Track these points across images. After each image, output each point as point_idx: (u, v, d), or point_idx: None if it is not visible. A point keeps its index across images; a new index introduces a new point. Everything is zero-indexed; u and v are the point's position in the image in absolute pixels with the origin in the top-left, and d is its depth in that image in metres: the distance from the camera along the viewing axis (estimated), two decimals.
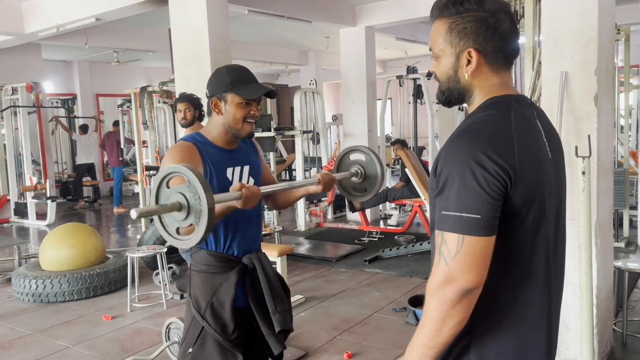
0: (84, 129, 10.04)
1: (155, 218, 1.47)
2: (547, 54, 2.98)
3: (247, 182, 2.00)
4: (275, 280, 2.04)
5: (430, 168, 8.28)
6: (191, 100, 4.09)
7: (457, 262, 1.07)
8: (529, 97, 3.10)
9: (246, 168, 2.02)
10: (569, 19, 2.90)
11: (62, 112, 11.22)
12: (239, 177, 1.99)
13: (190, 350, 1.95)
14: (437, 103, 9.07)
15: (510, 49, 1.19)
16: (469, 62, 1.17)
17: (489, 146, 1.08)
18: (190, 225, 1.43)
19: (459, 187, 1.07)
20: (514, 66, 3.39)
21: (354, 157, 2.18)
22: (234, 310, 1.92)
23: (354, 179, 2.14)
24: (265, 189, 1.80)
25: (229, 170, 1.97)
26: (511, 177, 1.08)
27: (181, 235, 1.47)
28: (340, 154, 2.20)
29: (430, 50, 1.25)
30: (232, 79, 1.90)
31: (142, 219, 6.37)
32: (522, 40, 3.24)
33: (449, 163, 1.10)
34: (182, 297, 4.54)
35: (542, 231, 1.17)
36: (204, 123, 4.03)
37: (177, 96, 4.33)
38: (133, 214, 1.38)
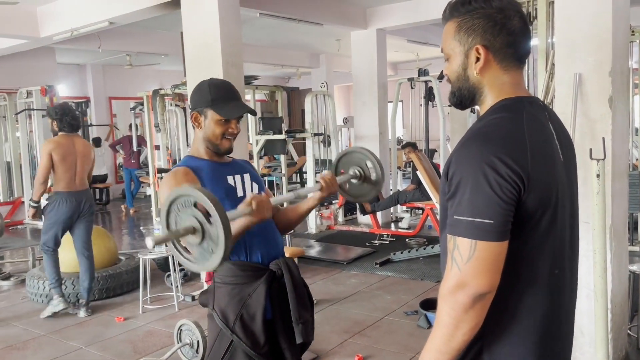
0: (97, 142, 10.17)
1: (171, 245, 1.42)
2: (561, 56, 2.96)
3: (252, 187, 1.99)
4: (301, 289, 1.98)
5: (441, 171, 8.24)
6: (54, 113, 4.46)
7: (469, 267, 1.06)
8: (542, 99, 3.08)
9: (246, 176, 2.00)
10: (583, 20, 2.88)
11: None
12: (241, 183, 1.97)
13: None
14: (448, 105, 9.01)
15: (520, 46, 1.18)
16: (477, 59, 1.17)
17: (502, 150, 1.06)
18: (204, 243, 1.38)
19: (471, 192, 1.06)
20: (526, 68, 3.38)
21: (351, 159, 2.15)
22: (265, 321, 1.86)
23: (353, 180, 2.12)
24: (274, 199, 1.79)
25: (230, 178, 1.95)
26: (524, 181, 1.06)
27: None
28: (337, 157, 2.18)
29: (442, 52, 1.25)
30: (213, 96, 1.90)
31: (154, 222, 6.41)
32: (535, 42, 3.22)
33: (461, 167, 1.09)
34: (193, 298, 4.55)
35: (552, 236, 1.15)
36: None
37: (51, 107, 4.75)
38: (149, 243, 1.34)
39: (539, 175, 1.09)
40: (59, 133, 4.41)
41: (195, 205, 1.37)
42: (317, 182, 2.00)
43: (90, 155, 4.57)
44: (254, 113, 2.01)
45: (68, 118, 4.41)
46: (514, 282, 1.13)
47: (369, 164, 2.12)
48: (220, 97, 1.91)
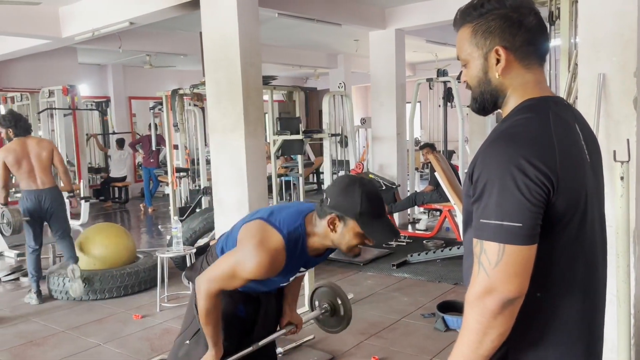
0: (120, 143, 10.30)
1: None
2: (584, 56, 2.90)
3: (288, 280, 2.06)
4: (272, 314, 2.16)
5: (465, 172, 8.18)
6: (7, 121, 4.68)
7: (497, 271, 1.03)
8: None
9: (303, 269, 2.03)
10: (606, 19, 2.82)
11: (96, 114, 11.49)
12: (294, 275, 2.02)
13: (187, 342, 2.05)
14: (467, 106, 9.01)
15: (540, 42, 1.16)
16: (498, 61, 1.14)
17: (530, 151, 1.04)
18: None
19: (498, 194, 1.03)
20: (548, 68, 3.32)
21: (323, 293, 2.32)
22: (233, 319, 1.99)
23: (324, 312, 2.28)
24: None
25: (299, 270, 2.00)
26: (553, 183, 1.04)
27: None
28: (311, 291, 2.37)
29: (458, 59, 1.23)
30: (362, 209, 1.74)
31: (172, 220, 6.45)
32: (557, 41, 3.17)
33: (488, 168, 1.06)
34: None
35: (584, 239, 1.12)
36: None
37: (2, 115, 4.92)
38: None
39: (568, 177, 1.06)
40: (14, 139, 4.69)
41: None
42: (289, 325, 2.24)
43: (44, 153, 4.69)
44: (399, 236, 2.02)
45: (22, 123, 4.74)
46: (545, 286, 1.10)
47: (338, 300, 2.26)
48: (370, 212, 1.76)
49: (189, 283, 2.17)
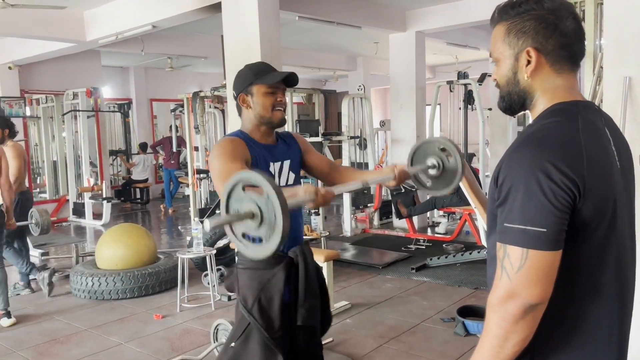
0: (143, 147, 10.47)
1: (227, 228, 1.42)
2: (610, 59, 2.86)
3: (287, 177, 2.08)
4: (313, 274, 2.08)
5: (486, 175, 8.10)
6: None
7: (520, 276, 1.02)
8: None
9: (286, 163, 2.09)
10: (633, 21, 2.77)
11: (118, 117, 11.67)
12: (279, 171, 2.06)
13: (232, 344, 2.00)
14: (488, 109, 8.82)
15: (574, 48, 1.14)
16: (528, 62, 1.13)
17: (556, 155, 1.03)
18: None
19: (523, 199, 1.02)
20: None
21: (427, 149, 2.00)
22: (282, 307, 1.97)
23: (431, 171, 1.97)
24: (339, 188, 1.80)
25: (271, 165, 2.04)
26: (580, 188, 1.02)
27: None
28: (415, 146, 2.04)
29: (490, 56, 1.22)
30: (254, 72, 2.01)
31: (192, 222, 6.51)
32: None
33: (513, 172, 1.05)
34: (229, 298, 4.60)
35: (613, 245, 1.10)
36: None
37: None
38: (207, 225, 1.35)
39: (596, 182, 1.05)
40: (9, 141, 4.88)
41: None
42: (388, 170, 1.94)
43: None
44: (294, 79, 2.06)
45: (13, 127, 4.92)
46: (571, 293, 1.09)
47: (446, 153, 1.95)
48: (260, 71, 2.03)
49: (233, 295, 2.16)
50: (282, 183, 2.06)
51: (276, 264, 1.99)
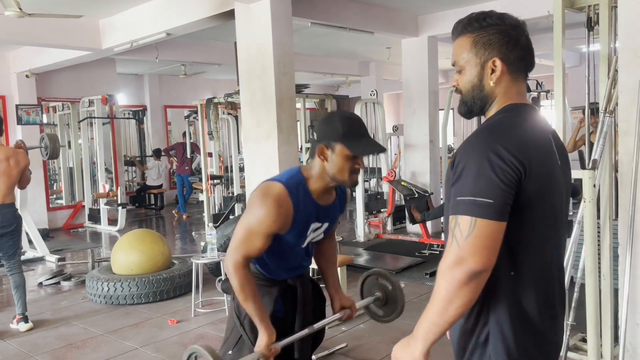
0: (157, 153, 10.52)
1: None
2: (625, 62, 2.84)
3: (318, 236, 2.03)
4: (309, 307, 2.09)
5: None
6: None
7: (468, 243, 1.14)
8: (603, 106, 2.98)
9: (326, 224, 2.03)
10: None
11: (132, 123, 11.80)
12: (314, 230, 1.99)
13: (230, 352, 2.03)
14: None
15: (529, 60, 1.31)
16: (493, 70, 1.28)
17: (507, 141, 1.18)
18: None
19: (475, 176, 1.16)
20: (586, 74, 3.24)
21: (374, 282, 2.26)
22: (275, 321, 1.95)
23: (375, 304, 2.23)
24: (283, 343, 1.89)
25: (312, 225, 1.96)
26: (525, 168, 1.17)
27: None
28: (361, 279, 2.28)
29: (453, 65, 1.35)
30: (344, 130, 1.84)
31: (206, 227, 6.56)
32: (596, 47, 3.10)
33: (467, 154, 1.19)
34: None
35: (550, 224, 1.28)
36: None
37: None
38: None
39: (539, 166, 1.21)
40: None
41: None
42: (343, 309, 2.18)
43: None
44: (384, 150, 2.01)
45: (1, 124, 4.37)
46: (517, 263, 1.25)
47: (389, 286, 2.21)
48: (351, 131, 1.85)
49: (230, 295, 2.16)
50: (309, 240, 2.00)
51: (273, 285, 2.02)
